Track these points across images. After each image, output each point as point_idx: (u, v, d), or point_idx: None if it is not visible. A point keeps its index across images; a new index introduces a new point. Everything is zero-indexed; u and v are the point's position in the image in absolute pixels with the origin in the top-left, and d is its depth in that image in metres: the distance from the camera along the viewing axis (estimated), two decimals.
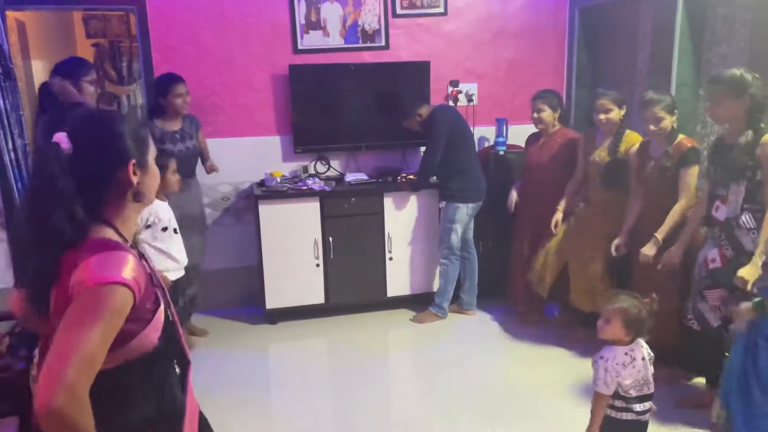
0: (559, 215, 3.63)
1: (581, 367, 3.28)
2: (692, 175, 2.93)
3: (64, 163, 1.19)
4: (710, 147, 2.86)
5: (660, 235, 2.98)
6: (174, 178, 3.02)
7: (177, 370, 1.36)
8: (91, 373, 1.12)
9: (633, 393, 2.13)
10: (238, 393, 3.20)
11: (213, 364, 3.47)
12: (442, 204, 3.94)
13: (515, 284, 3.99)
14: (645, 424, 2.19)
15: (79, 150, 1.21)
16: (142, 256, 1.33)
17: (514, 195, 3.93)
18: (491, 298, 4.17)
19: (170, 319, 1.33)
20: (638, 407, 2.14)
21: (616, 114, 3.33)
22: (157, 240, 2.90)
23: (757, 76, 2.54)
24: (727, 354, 2.60)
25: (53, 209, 1.18)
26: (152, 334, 1.24)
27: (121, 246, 1.24)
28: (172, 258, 2.96)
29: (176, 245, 3.02)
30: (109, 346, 1.15)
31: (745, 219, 2.59)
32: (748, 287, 2.44)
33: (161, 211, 2.91)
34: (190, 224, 3.58)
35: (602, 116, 3.35)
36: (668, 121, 2.97)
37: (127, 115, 1.47)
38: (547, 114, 3.68)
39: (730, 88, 2.54)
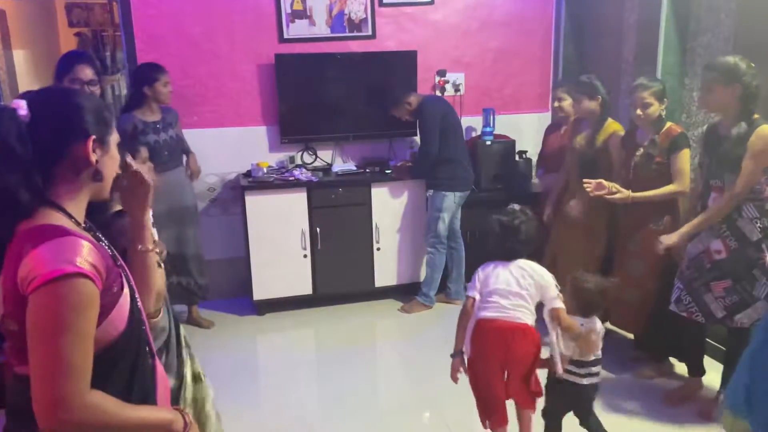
0: (548, 208, 3.65)
1: None
2: (684, 159, 2.89)
3: (22, 128, 1.13)
4: (703, 136, 2.84)
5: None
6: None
7: (149, 360, 1.31)
8: (84, 378, 1.08)
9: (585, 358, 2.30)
10: (226, 383, 3.19)
11: (201, 355, 3.43)
12: (430, 192, 3.94)
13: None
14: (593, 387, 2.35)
15: (36, 119, 1.14)
16: (99, 239, 1.25)
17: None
18: None
19: (137, 303, 1.27)
20: (590, 370, 2.32)
21: (587, 104, 3.29)
22: None
23: (752, 65, 2.52)
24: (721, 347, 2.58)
25: (9, 173, 1.11)
26: (118, 320, 1.17)
27: (70, 231, 1.13)
28: None
29: None
30: (92, 340, 1.10)
31: (748, 209, 2.59)
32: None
33: None
34: (182, 215, 3.56)
35: (575, 106, 3.38)
36: (656, 108, 2.92)
37: (91, 96, 1.42)
38: (568, 103, 3.66)
39: (722, 74, 2.53)
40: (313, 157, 4.32)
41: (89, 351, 1.10)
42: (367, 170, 4.14)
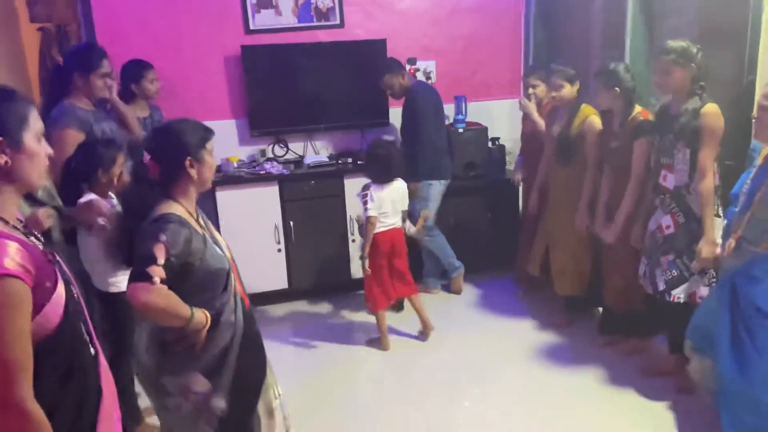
0: (533, 196, 3.66)
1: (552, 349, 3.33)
2: (642, 148, 2.91)
3: None
4: (654, 116, 2.89)
5: (619, 219, 3.00)
6: (119, 171, 2.77)
7: (92, 351, 1.32)
8: (27, 378, 1.11)
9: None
10: None
11: None
12: (416, 184, 3.86)
13: (521, 261, 3.96)
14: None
15: None
16: (30, 234, 1.25)
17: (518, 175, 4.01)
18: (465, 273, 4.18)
19: (74, 296, 1.28)
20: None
21: (568, 91, 3.31)
22: None
23: (699, 47, 2.60)
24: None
25: None
26: (52, 314, 1.18)
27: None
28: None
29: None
30: (29, 337, 1.12)
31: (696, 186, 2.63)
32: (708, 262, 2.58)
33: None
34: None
35: (554, 93, 3.36)
36: (605, 96, 3.01)
37: (2, 88, 1.40)
38: (542, 89, 3.68)
39: (679, 56, 2.59)
40: (285, 149, 4.26)
41: (28, 349, 1.12)
42: (339, 161, 4.10)
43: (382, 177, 3.27)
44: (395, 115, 4.15)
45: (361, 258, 3.33)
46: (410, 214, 3.89)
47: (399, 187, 3.33)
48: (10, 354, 1.09)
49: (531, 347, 3.38)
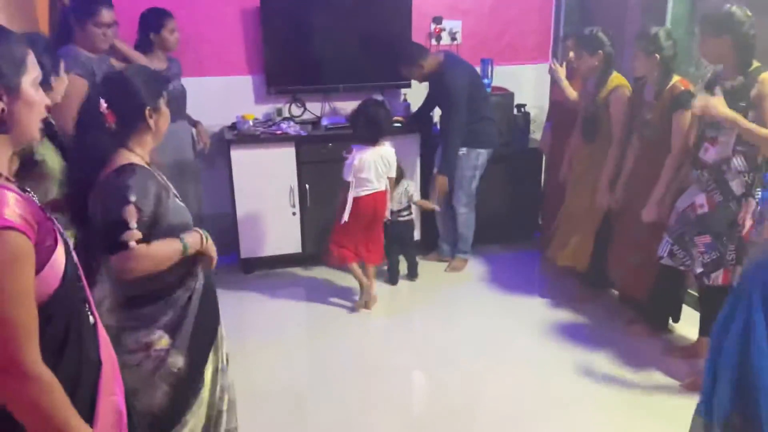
0: (564, 167, 3.51)
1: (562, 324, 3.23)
2: (683, 120, 2.75)
3: None
4: (704, 86, 2.72)
5: (656, 196, 2.85)
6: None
7: (91, 320, 1.23)
8: (33, 341, 1.03)
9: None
10: None
11: None
12: (463, 150, 3.73)
13: (548, 230, 3.84)
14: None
15: None
16: (26, 190, 1.14)
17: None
18: (482, 245, 4.08)
19: (73, 259, 1.18)
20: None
21: (586, 61, 3.13)
22: None
23: (748, 14, 2.40)
24: None
25: None
26: (51, 277, 1.08)
27: None
28: None
29: None
30: (33, 297, 1.03)
31: (737, 162, 2.50)
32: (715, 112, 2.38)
33: None
34: (182, 172, 3.37)
35: (574, 63, 3.19)
36: (647, 63, 2.81)
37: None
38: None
39: (711, 25, 2.45)
40: (302, 109, 4.11)
41: (33, 309, 1.03)
42: None
43: (367, 138, 3.20)
44: None
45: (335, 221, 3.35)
46: (459, 183, 3.80)
47: (384, 151, 3.24)
48: (14, 315, 0.99)
49: (545, 321, 3.29)
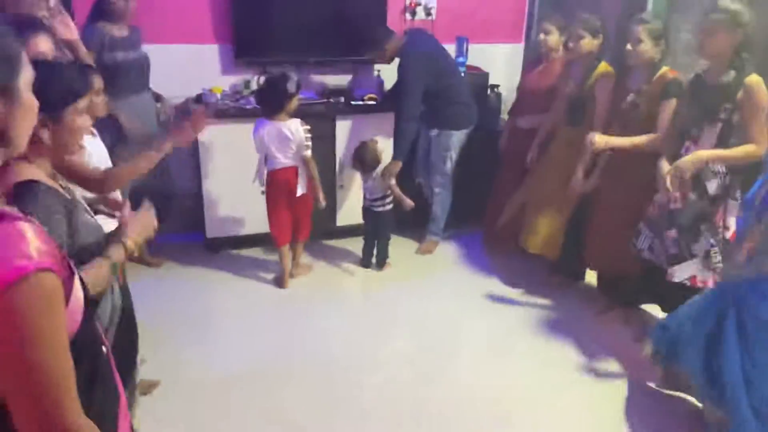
0: (533, 152, 3.48)
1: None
2: (671, 108, 2.75)
3: None
4: (688, 83, 2.73)
5: (623, 141, 2.85)
6: (99, 100, 2.29)
7: (104, 348, 1.11)
8: (73, 394, 0.90)
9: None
10: (175, 329, 2.98)
11: (148, 297, 3.16)
12: (434, 132, 3.70)
13: (491, 219, 3.83)
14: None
15: None
16: (28, 213, 0.97)
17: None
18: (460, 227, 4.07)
19: (86, 286, 1.05)
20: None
21: (588, 44, 3.08)
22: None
23: (752, 13, 2.41)
24: None
25: None
26: (76, 311, 0.96)
27: (5, 213, 0.87)
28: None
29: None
30: (67, 341, 0.89)
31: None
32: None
33: (94, 154, 2.25)
34: (146, 144, 3.13)
35: (571, 44, 3.14)
36: (648, 46, 2.76)
37: None
38: (555, 38, 3.38)
39: (730, 18, 2.40)
40: None
41: (68, 354, 0.89)
42: (331, 99, 3.80)
43: (266, 110, 3.17)
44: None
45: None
46: (434, 164, 3.76)
47: (287, 125, 3.14)
48: (53, 365, 0.86)
49: (517, 310, 3.32)
